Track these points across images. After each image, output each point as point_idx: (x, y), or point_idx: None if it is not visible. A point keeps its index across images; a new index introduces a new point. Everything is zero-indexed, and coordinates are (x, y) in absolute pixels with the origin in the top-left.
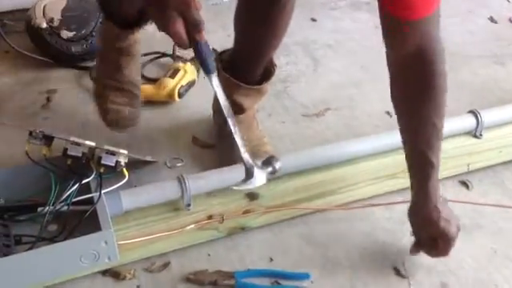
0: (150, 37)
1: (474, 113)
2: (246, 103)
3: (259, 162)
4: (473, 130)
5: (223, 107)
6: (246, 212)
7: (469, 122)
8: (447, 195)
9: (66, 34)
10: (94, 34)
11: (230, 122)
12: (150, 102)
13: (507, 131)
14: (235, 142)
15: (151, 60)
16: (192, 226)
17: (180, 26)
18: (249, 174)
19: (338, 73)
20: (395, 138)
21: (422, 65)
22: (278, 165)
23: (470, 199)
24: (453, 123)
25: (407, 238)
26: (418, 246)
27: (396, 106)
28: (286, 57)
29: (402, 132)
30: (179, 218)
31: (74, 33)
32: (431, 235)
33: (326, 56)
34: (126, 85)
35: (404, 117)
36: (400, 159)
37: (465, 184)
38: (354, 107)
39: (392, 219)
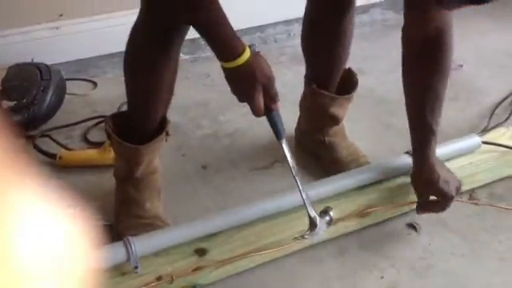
0: (92, 101)
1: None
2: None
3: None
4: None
5: (292, 168)
6: (197, 269)
7: (409, 162)
8: (401, 238)
9: (6, 104)
10: (35, 102)
11: (298, 180)
12: (96, 167)
13: None
14: (301, 196)
15: (95, 124)
16: None
17: (260, 97)
18: (313, 225)
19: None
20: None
21: (439, 45)
22: (332, 214)
23: (420, 242)
24: (393, 164)
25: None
26: (422, 207)
27: (407, 80)
28: (232, 112)
29: (411, 102)
30: (127, 281)
31: (15, 102)
32: (433, 195)
33: None
34: (151, 220)
35: (415, 88)
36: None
37: (413, 226)
38: None
39: (344, 267)
